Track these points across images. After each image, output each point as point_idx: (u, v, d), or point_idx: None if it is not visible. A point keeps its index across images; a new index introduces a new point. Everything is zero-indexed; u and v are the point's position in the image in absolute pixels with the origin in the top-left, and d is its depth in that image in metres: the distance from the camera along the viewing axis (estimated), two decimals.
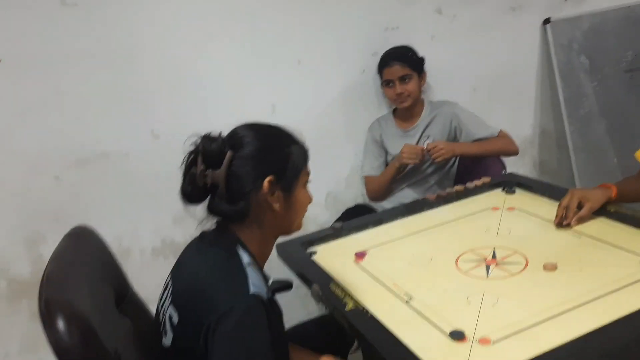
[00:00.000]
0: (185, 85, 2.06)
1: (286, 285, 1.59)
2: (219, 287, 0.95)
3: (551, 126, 2.69)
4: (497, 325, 1.06)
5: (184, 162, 1.06)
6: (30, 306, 1.93)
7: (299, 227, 1.14)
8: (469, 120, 2.14)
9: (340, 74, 2.28)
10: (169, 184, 2.08)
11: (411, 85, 2.13)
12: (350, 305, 1.18)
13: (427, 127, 2.19)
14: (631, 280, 1.14)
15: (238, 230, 1.05)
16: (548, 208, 1.56)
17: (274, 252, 1.55)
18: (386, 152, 2.25)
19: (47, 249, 1.91)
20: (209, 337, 0.90)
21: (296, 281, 1.60)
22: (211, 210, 1.06)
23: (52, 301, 0.82)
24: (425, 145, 2.06)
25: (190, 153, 1.05)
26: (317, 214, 2.34)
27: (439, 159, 2.02)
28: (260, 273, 1.03)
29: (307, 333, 1.48)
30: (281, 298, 1.22)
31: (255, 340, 0.91)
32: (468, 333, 1.05)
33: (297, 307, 2.28)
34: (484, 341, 1.02)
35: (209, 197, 1.06)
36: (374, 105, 2.36)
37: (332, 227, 1.66)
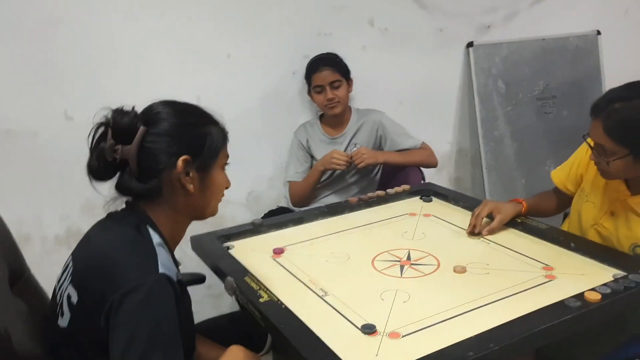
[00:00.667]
0: (106, 68, 1.97)
1: (198, 279, 1.54)
2: (126, 264, 0.91)
3: (467, 144, 2.82)
4: (408, 320, 1.09)
5: (91, 135, 0.99)
6: None
7: (213, 212, 1.11)
8: (394, 130, 2.20)
9: (270, 73, 2.27)
10: (80, 170, 1.98)
11: (341, 91, 2.15)
12: (264, 297, 1.16)
13: (354, 135, 2.22)
14: (533, 284, 1.21)
15: (149, 209, 1.01)
16: (461, 216, 1.63)
17: (187, 246, 1.51)
18: (312, 158, 2.25)
19: None
20: (112, 313, 0.85)
21: (208, 280, 1.55)
22: (120, 188, 1.01)
23: None
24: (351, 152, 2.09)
25: (100, 125, 0.99)
26: (238, 214, 2.30)
27: (361, 165, 2.06)
28: (170, 255, 0.99)
29: (217, 327, 1.44)
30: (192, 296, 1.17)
31: (161, 317, 0.87)
32: (379, 327, 1.07)
33: (208, 307, 2.22)
34: (393, 335, 1.04)
35: (118, 175, 1.01)
36: (301, 109, 2.37)
37: (252, 223, 1.63)
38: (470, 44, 2.64)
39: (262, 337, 1.52)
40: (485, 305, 1.13)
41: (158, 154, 0.97)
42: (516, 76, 2.72)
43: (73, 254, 1.03)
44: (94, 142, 0.99)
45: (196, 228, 1.35)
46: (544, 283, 1.22)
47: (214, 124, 1.06)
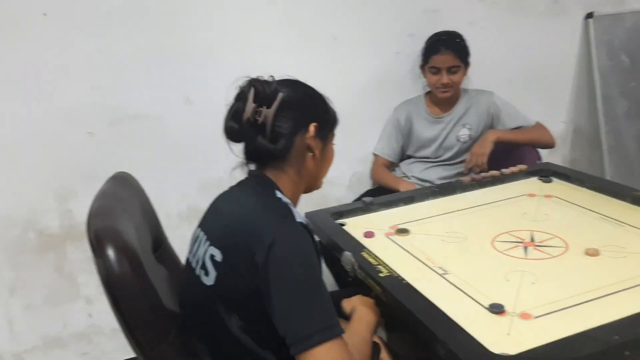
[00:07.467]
0: (223, 55, 2.04)
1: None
2: (265, 220, 0.96)
3: (585, 124, 2.64)
4: (537, 302, 1.04)
5: (233, 101, 1.05)
6: (56, 259, 1.95)
7: (320, 185, 1.17)
8: (506, 109, 2.11)
9: (375, 54, 2.25)
10: (198, 151, 2.08)
11: (457, 77, 2.06)
12: (384, 272, 1.17)
13: (462, 116, 2.15)
14: None
15: (273, 176, 1.06)
16: (587, 197, 1.53)
17: None
18: (409, 136, 2.20)
19: (77, 205, 1.92)
20: (261, 266, 0.90)
21: None
22: (250, 150, 1.06)
23: (101, 231, 0.81)
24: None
25: (242, 89, 1.04)
26: (341, 195, 2.32)
27: (484, 165, 1.99)
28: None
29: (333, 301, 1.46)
30: None
31: (308, 262, 0.92)
32: (508, 307, 1.03)
33: None
34: (524, 315, 1.00)
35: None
36: (405, 89, 2.32)
37: (362, 201, 1.64)
38: (589, 15, 2.45)
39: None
40: (624, 289, 1.06)
41: (292, 119, 1.04)
42: None
43: (202, 225, 1.09)
44: (231, 106, 1.05)
45: (303, 207, 1.38)
46: None
47: (330, 104, 1.15)
